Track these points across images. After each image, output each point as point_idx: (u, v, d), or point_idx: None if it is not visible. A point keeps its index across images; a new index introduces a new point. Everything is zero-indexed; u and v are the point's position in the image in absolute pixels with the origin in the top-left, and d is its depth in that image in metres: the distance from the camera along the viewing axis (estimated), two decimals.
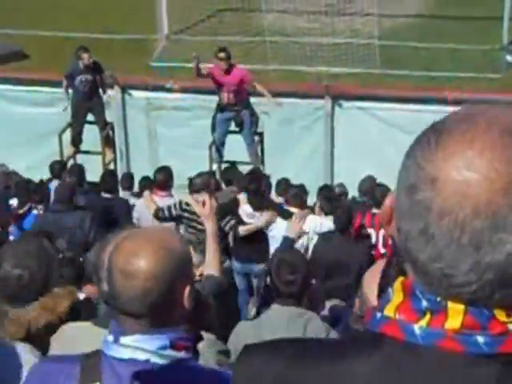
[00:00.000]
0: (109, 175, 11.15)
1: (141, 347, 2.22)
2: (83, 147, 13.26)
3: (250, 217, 9.03)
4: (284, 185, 10.77)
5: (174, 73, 14.39)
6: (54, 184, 10.63)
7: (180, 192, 10.31)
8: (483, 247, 1.11)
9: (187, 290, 2.30)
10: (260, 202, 9.19)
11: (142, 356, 2.22)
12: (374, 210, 9.03)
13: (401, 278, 1.23)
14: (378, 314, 1.23)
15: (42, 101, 14.10)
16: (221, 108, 12.33)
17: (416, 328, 1.18)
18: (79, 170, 10.99)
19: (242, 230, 8.90)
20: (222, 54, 11.96)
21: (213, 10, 16.32)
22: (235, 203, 9.13)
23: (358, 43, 15.12)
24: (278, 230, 9.08)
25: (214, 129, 12.45)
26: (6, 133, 13.98)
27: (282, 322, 4.74)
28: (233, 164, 12.28)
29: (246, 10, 16.27)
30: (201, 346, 3.57)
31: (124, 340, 2.24)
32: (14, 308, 3.34)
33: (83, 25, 15.94)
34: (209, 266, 4.44)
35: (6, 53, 15.10)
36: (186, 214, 8.62)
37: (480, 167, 1.11)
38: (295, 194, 9.57)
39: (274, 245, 9.12)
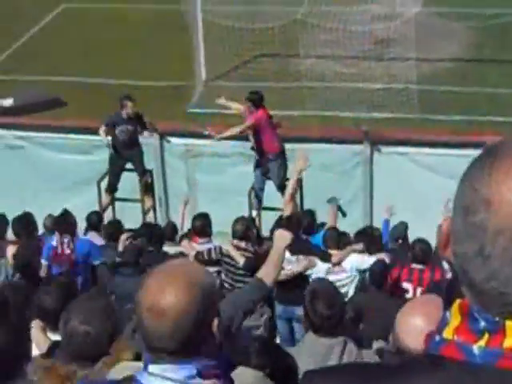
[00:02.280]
0: (145, 226, 11.08)
1: (168, 377, 2.19)
2: (122, 195, 13.26)
3: (286, 262, 8.98)
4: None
5: (211, 119, 14.41)
6: (91, 235, 10.55)
7: (220, 239, 10.25)
8: None
9: (215, 321, 2.25)
10: (298, 245, 9.15)
11: None
12: (413, 265, 8.84)
13: (458, 301, 1.28)
14: (437, 337, 1.27)
15: (80, 148, 14.13)
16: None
17: (475, 348, 1.21)
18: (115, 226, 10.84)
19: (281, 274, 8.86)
20: (256, 96, 11.76)
21: (250, 55, 16.37)
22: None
23: (396, 88, 15.15)
24: (318, 274, 9.03)
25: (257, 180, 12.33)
26: (43, 181, 14.02)
27: (318, 352, 4.61)
28: (272, 210, 12.15)
29: (283, 55, 16.35)
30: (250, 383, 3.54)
31: (152, 368, 2.22)
32: (81, 369, 3.41)
33: (121, 71, 16.07)
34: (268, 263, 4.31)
35: (45, 100, 15.25)
36: (225, 259, 8.74)
37: None
38: (331, 235, 9.58)
39: None
